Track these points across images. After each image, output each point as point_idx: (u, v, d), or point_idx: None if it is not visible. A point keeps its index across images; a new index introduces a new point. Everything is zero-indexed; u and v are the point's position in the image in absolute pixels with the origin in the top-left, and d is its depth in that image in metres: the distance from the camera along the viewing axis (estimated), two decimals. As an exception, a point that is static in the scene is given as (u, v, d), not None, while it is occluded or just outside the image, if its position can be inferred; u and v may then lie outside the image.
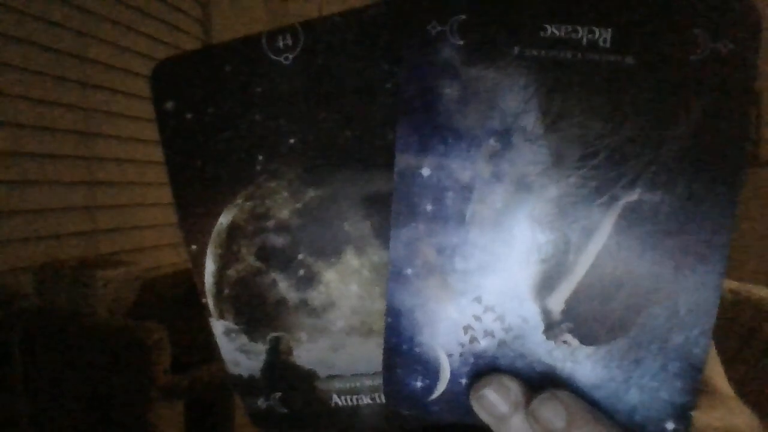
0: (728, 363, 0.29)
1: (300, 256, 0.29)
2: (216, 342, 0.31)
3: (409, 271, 0.27)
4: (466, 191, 0.26)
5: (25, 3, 1.24)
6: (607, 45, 0.25)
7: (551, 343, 0.26)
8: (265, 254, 0.29)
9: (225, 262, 0.30)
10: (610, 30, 0.25)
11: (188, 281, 1.38)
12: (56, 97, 1.34)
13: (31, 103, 1.28)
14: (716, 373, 0.29)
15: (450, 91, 0.26)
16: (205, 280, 0.30)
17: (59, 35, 1.35)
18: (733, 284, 0.97)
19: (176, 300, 1.36)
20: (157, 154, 1.35)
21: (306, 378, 0.31)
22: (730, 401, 0.28)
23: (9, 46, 1.21)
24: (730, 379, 0.30)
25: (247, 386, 0.31)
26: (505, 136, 0.26)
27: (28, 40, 1.26)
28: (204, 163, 0.29)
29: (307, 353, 0.30)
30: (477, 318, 0.26)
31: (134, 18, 1.59)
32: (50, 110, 1.33)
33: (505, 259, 0.26)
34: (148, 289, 1.33)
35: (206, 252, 0.30)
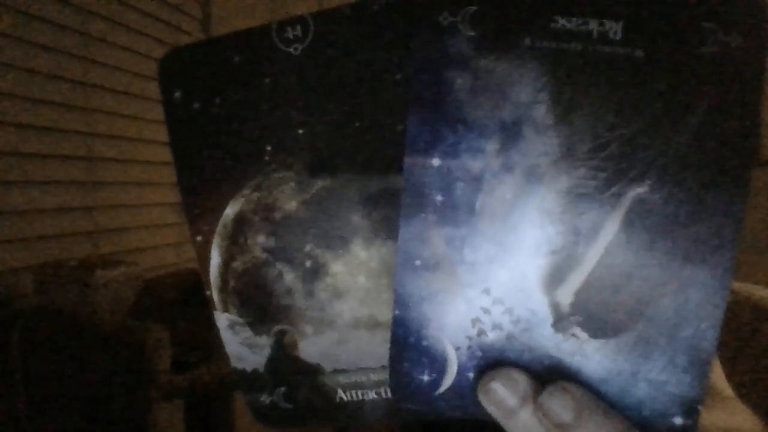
0: (728, 363, 0.29)
1: (307, 248, 0.29)
2: (219, 337, 0.31)
3: (417, 262, 0.26)
4: (475, 182, 0.26)
5: (25, 3, 1.24)
6: (618, 37, 0.25)
7: (560, 336, 0.26)
8: (272, 246, 0.29)
9: (231, 253, 0.30)
10: (620, 23, 0.25)
11: (189, 281, 1.38)
12: (56, 97, 1.34)
13: (31, 103, 1.27)
14: (716, 374, 0.29)
15: (461, 82, 0.26)
16: (210, 273, 0.30)
17: (59, 35, 1.34)
18: (733, 284, 0.97)
19: (176, 300, 1.36)
20: (158, 154, 1.34)
21: (311, 372, 0.30)
22: (730, 401, 0.28)
23: (9, 46, 1.21)
24: (730, 379, 0.29)
25: (251, 381, 0.31)
26: (515, 127, 0.26)
27: (28, 40, 1.25)
28: (211, 154, 0.29)
29: (312, 347, 0.30)
30: (485, 310, 0.26)
31: (134, 18, 1.59)
32: (50, 110, 1.33)
33: (514, 251, 0.26)
34: (148, 289, 1.32)
35: (212, 243, 0.30)
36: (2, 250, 1.21)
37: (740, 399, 0.29)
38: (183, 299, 1.36)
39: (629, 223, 0.25)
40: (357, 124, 0.28)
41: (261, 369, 0.31)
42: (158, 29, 1.69)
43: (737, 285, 0.97)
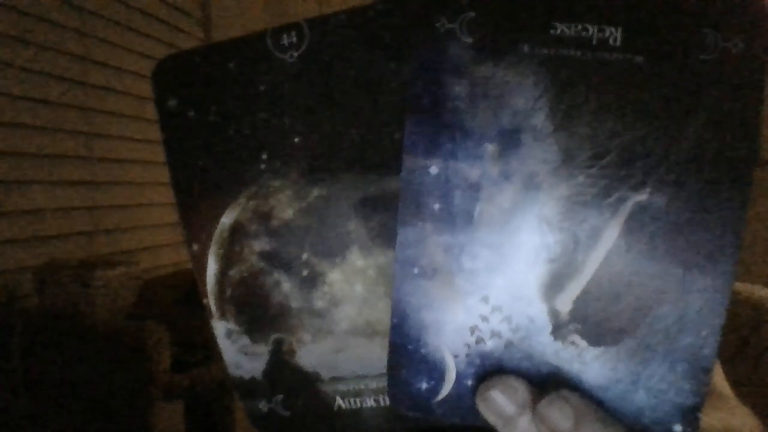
0: (728, 363, 0.29)
1: (304, 256, 0.29)
2: (217, 343, 0.30)
3: (415, 270, 0.26)
4: (474, 190, 0.26)
5: (25, 3, 1.23)
6: (617, 44, 0.25)
7: (559, 344, 0.26)
8: (269, 254, 0.29)
9: (227, 262, 0.30)
10: (620, 29, 0.25)
11: (188, 281, 1.38)
12: (56, 97, 1.34)
13: (31, 103, 1.27)
14: (716, 374, 0.29)
15: (458, 88, 0.26)
16: (207, 281, 0.30)
17: (59, 35, 1.34)
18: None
19: (176, 300, 1.36)
20: (158, 154, 1.34)
21: (309, 380, 0.30)
22: (730, 401, 0.28)
23: (9, 46, 1.21)
24: (730, 379, 0.29)
25: (249, 388, 0.31)
26: (513, 134, 0.25)
27: (28, 40, 1.25)
28: (207, 162, 0.29)
29: (310, 355, 0.30)
30: (484, 318, 0.26)
31: (134, 18, 1.59)
32: (50, 110, 1.33)
33: (512, 259, 0.26)
34: (148, 289, 1.32)
35: (208, 252, 0.30)
36: (2, 250, 1.21)
37: (740, 399, 0.29)
38: (183, 299, 1.36)
39: (629, 230, 0.25)
40: (353, 132, 0.28)
41: (259, 376, 0.30)
42: (158, 29, 1.69)
43: (737, 285, 0.97)
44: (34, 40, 1.27)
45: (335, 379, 0.30)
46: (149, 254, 1.65)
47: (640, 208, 0.25)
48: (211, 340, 0.30)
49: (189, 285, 1.40)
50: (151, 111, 1.59)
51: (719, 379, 0.29)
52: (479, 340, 0.26)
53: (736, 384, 0.30)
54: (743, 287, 1.02)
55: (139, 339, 1.11)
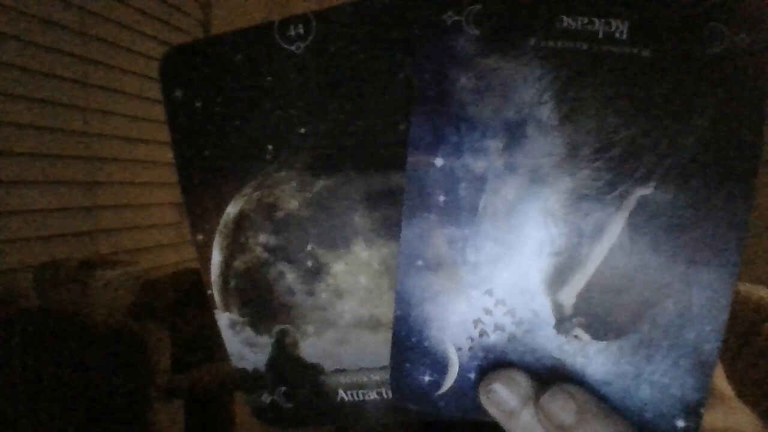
0: (728, 363, 0.29)
1: (308, 248, 0.29)
2: (220, 336, 0.30)
3: (419, 262, 0.26)
4: (479, 182, 0.26)
5: (25, 3, 1.23)
6: (624, 37, 0.25)
7: (562, 337, 0.26)
8: (273, 245, 0.29)
9: (232, 252, 0.30)
10: (627, 22, 0.25)
11: (188, 281, 1.38)
12: (56, 97, 1.34)
13: (31, 103, 1.27)
14: (717, 373, 0.29)
15: (465, 81, 0.26)
16: (211, 271, 0.30)
17: (59, 35, 1.34)
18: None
19: (176, 300, 1.36)
20: (158, 154, 1.34)
21: (311, 372, 0.30)
22: (731, 401, 0.28)
23: (9, 46, 1.21)
24: (730, 378, 0.29)
25: (252, 380, 0.31)
26: (519, 127, 0.25)
27: (28, 40, 1.25)
28: (213, 152, 0.29)
29: (313, 347, 0.30)
30: (487, 311, 0.26)
31: (134, 18, 1.59)
32: (50, 110, 1.33)
33: (517, 252, 0.26)
34: (148, 289, 1.32)
35: (213, 242, 0.30)
36: (2, 250, 1.21)
37: (740, 398, 0.29)
38: (183, 299, 1.36)
39: (633, 224, 0.25)
40: (359, 124, 0.28)
41: (262, 368, 0.31)
42: (158, 29, 1.69)
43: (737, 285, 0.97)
44: (34, 40, 1.27)
45: (338, 372, 0.30)
46: (149, 254, 1.65)
47: (645, 202, 0.25)
48: (212, 336, 0.30)
49: (189, 285, 1.40)
50: (151, 111, 1.59)
51: (720, 379, 0.29)
52: (482, 333, 0.26)
53: (736, 384, 0.30)
54: (743, 287, 1.02)
55: (139, 339, 1.10)
